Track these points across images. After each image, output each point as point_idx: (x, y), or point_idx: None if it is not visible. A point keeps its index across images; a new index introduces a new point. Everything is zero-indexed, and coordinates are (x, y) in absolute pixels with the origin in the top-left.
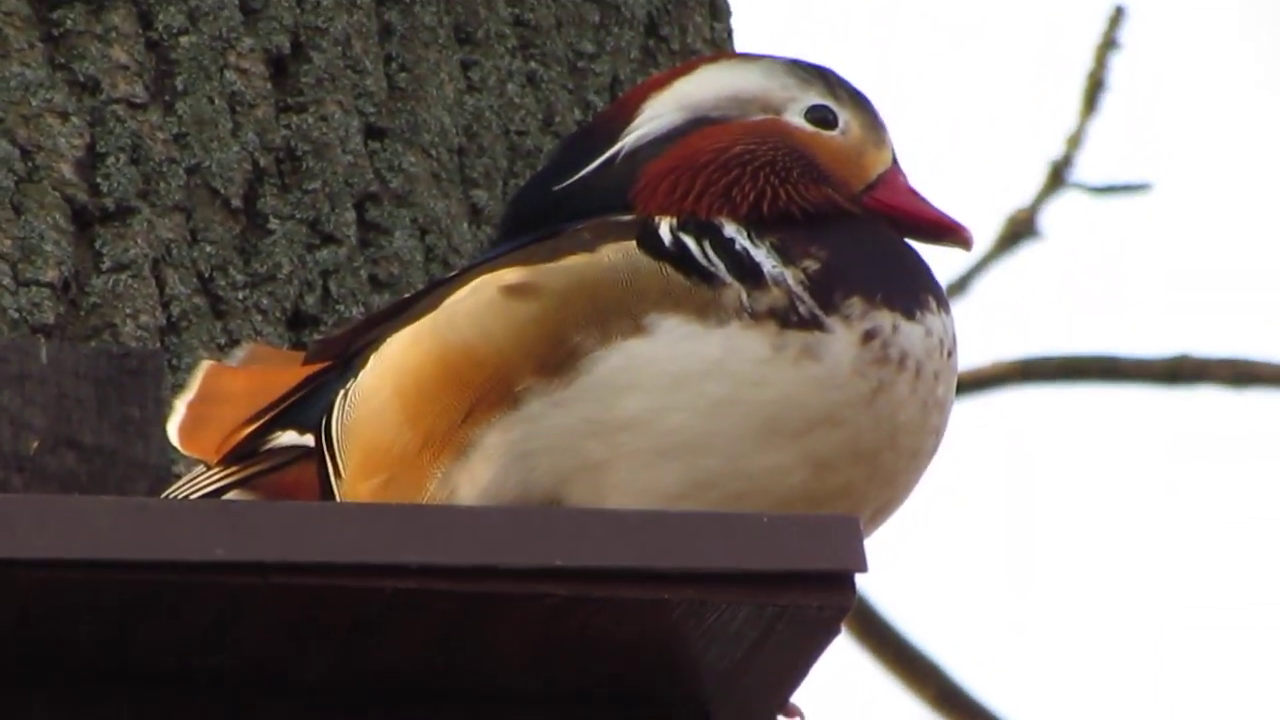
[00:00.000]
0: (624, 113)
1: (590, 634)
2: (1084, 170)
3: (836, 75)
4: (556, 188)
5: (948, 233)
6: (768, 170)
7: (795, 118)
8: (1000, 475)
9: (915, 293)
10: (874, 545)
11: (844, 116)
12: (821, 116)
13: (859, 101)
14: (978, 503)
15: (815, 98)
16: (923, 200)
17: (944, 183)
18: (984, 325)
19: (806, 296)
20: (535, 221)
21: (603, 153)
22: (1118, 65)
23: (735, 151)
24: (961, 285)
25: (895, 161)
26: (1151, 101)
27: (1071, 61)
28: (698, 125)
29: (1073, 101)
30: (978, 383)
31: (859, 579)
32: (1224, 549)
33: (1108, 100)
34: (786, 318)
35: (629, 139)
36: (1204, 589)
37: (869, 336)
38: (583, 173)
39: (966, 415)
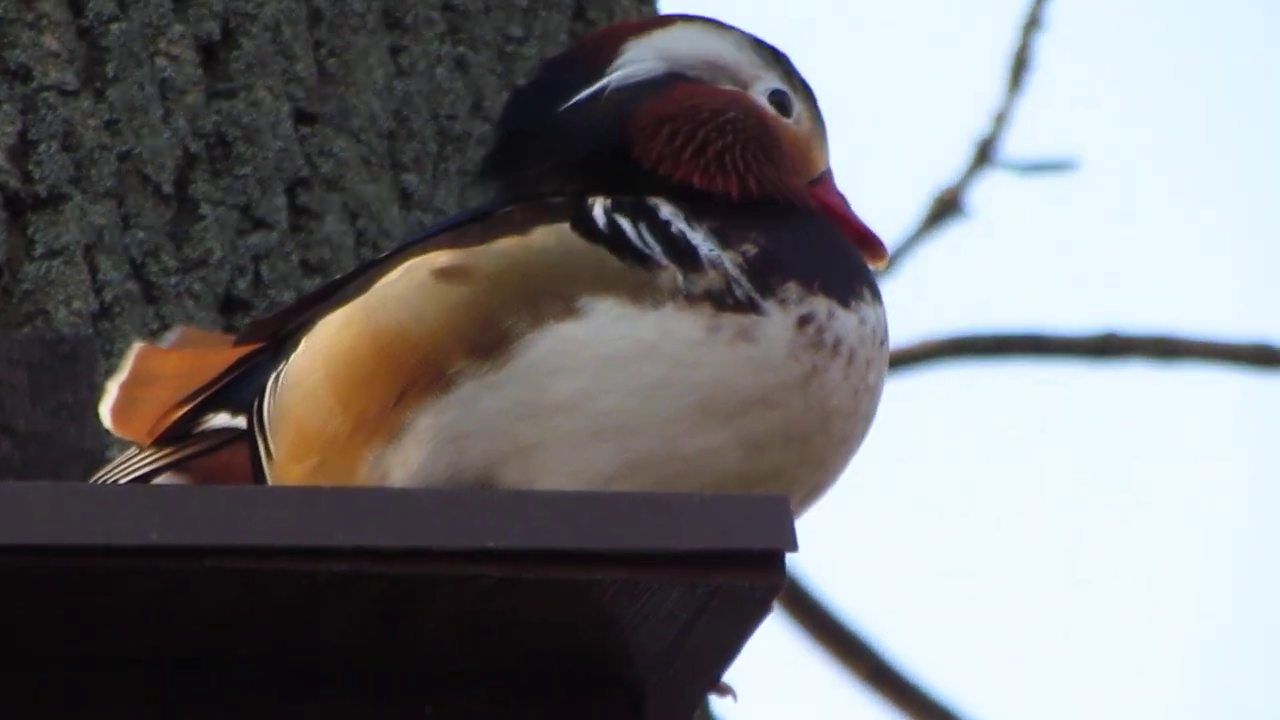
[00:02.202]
0: (605, 49)
1: (524, 615)
2: (1010, 148)
3: (792, 63)
4: (560, 109)
5: (870, 245)
6: (755, 145)
7: (760, 97)
8: (932, 452)
9: (851, 282)
10: (805, 524)
11: (798, 106)
12: (779, 101)
13: (809, 95)
14: (910, 479)
15: (776, 82)
16: (849, 208)
17: (870, 160)
18: (913, 303)
19: (744, 280)
20: (532, 138)
21: (589, 84)
22: (1042, 43)
23: (730, 116)
24: (890, 263)
25: (828, 165)
26: (1076, 79)
27: (996, 40)
28: (677, 80)
29: (998, 80)
30: (908, 359)
31: (790, 558)
32: (1148, 521)
33: (1032, 79)
34: (723, 300)
35: (615, 75)
36: (1130, 561)
37: (804, 321)
38: (576, 99)
39: (898, 392)
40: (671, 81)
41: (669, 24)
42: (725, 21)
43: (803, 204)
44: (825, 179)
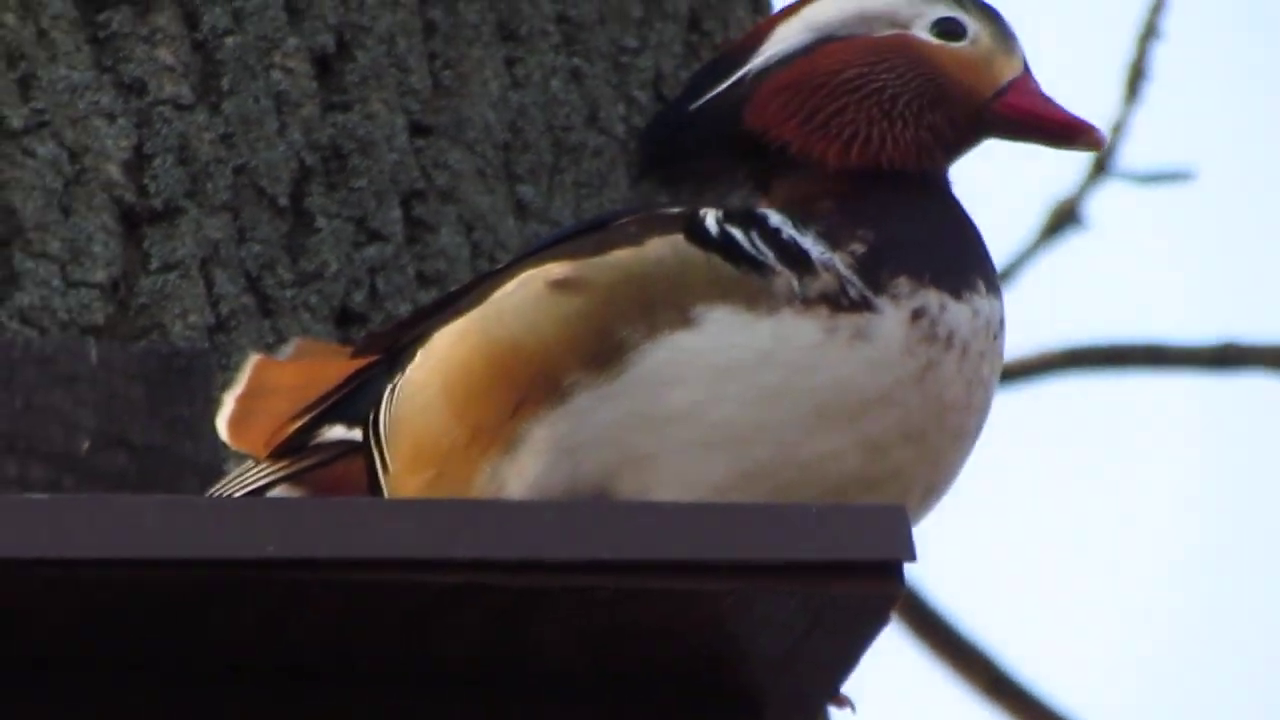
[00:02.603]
0: (753, 40)
1: (640, 625)
2: (1127, 159)
3: None
4: (689, 107)
5: (1078, 134)
6: (873, 101)
7: (921, 32)
8: (1049, 462)
9: (964, 273)
10: (924, 533)
11: (973, 27)
12: (948, 28)
13: (988, 13)
14: (1029, 489)
15: (943, 10)
16: (1053, 103)
17: (989, 170)
18: (1030, 314)
19: (855, 279)
20: (667, 142)
21: (731, 76)
22: (1159, 54)
23: (848, 75)
24: (1008, 274)
25: (1026, 68)
26: (1194, 90)
27: (1114, 49)
28: (824, 43)
29: (1116, 90)
30: (1026, 370)
31: (908, 568)
32: (1271, 532)
33: (1150, 89)
34: (838, 301)
35: (756, 61)
36: (1253, 570)
37: (917, 315)
38: (712, 94)
39: (1017, 403)
40: (818, 45)
41: None
42: None
43: (921, 169)
44: (1017, 84)
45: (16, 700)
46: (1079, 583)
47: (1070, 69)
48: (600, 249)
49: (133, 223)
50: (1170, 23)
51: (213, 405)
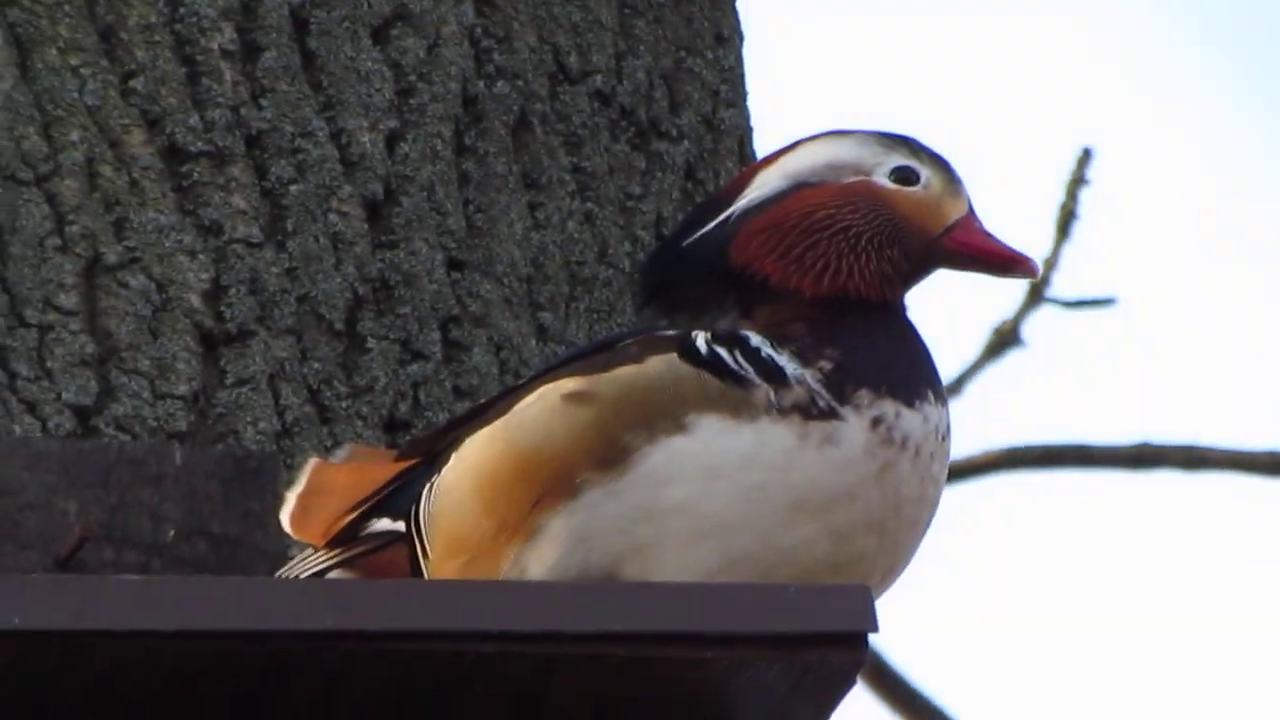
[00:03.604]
0: (739, 185)
1: (645, 691)
2: (1059, 287)
3: (918, 141)
4: (683, 244)
5: (1016, 265)
6: (840, 238)
7: (881, 178)
8: (994, 548)
9: (916, 386)
10: (884, 606)
11: (925, 173)
12: (904, 175)
13: (938, 161)
14: (975, 572)
15: (900, 159)
16: (994, 239)
17: (939, 298)
18: (975, 420)
19: (824, 391)
20: (665, 273)
21: (717, 217)
22: (1086, 198)
23: (818, 216)
24: (956, 387)
25: (971, 209)
26: (1117, 225)
27: (1048, 194)
28: (798, 189)
29: (1048, 229)
30: (971, 469)
31: (871, 638)
32: (1184, 612)
33: (1078, 227)
34: (809, 411)
35: (740, 203)
36: (1175, 643)
37: (876, 422)
38: (702, 231)
39: (962, 497)
40: (793, 191)
41: (796, 146)
42: (850, 126)
43: (881, 299)
44: (963, 221)
45: None
46: (1020, 650)
47: (1010, 209)
48: (607, 366)
49: (210, 344)
50: (1095, 172)
51: (279, 501)
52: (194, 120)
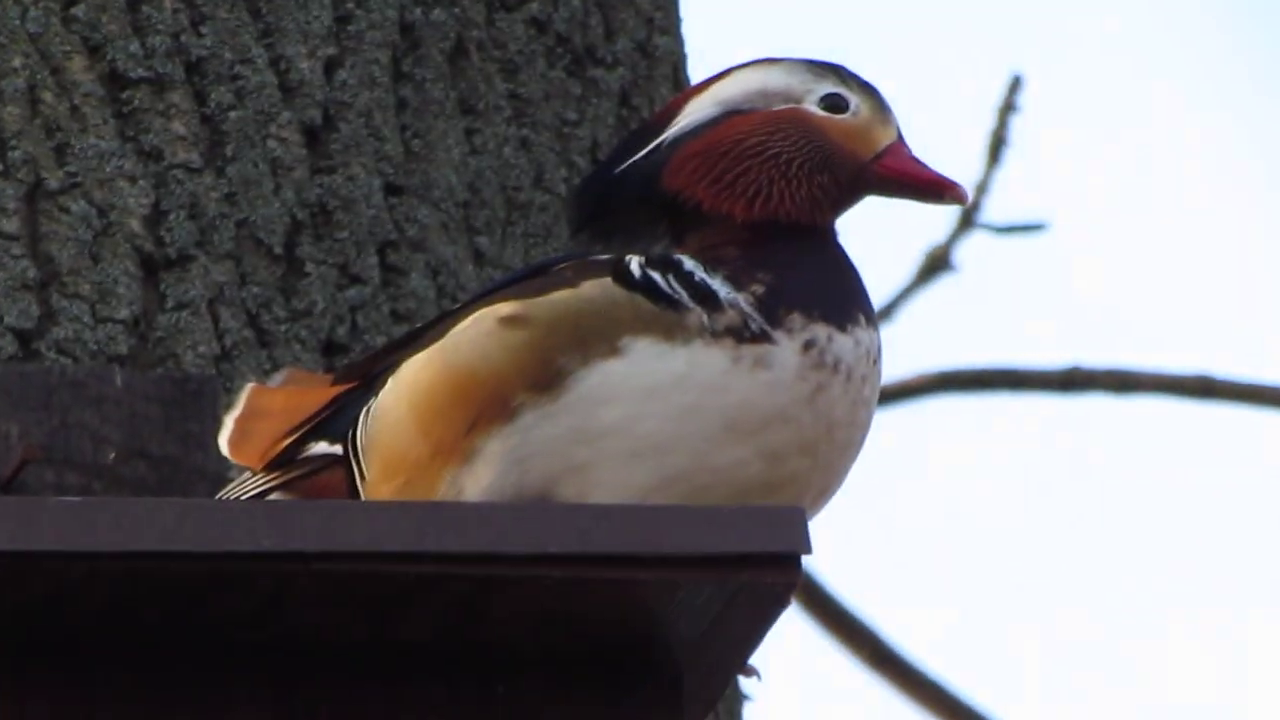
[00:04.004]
0: (670, 112)
1: (580, 609)
2: (990, 213)
3: (848, 70)
4: (616, 170)
5: (945, 191)
6: (771, 164)
7: (811, 105)
8: (923, 470)
9: (847, 310)
10: (818, 527)
11: (854, 101)
12: (833, 103)
13: (867, 89)
14: (906, 492)
15: (829, 87)
16: (923, 165)
17: (870, 222)
18: (908, 345)
19: (756, 315)
20: (599, 199)
21: (650, 143)
22: (1017, 124)
23: (751, 142)
24: (888, 311)
25: (900, 136)
26: (1047, 154)
27: (980, 121)
28: (729, 116)
29: (979, 155)
30: (903, 393)
31: (805, 559)
32: (1112, 530)
33: (1009, 154)
34: (741, 334)
35: (672, 130)
36: (1102, 561)
37: (808, 346)
38: (635, 158)
39: (895, 420)
40: (724, 118)
41: (728, 74)
42: (781, 55)
43: (813, 224)
44: (892, 149)
45: (49, 679)
46: (953, 569)
47: (940, 136)
48: (542, 290)
49: (150, 269)
50: (1026, 98)
51: (217, 424)
52: (134, 47)
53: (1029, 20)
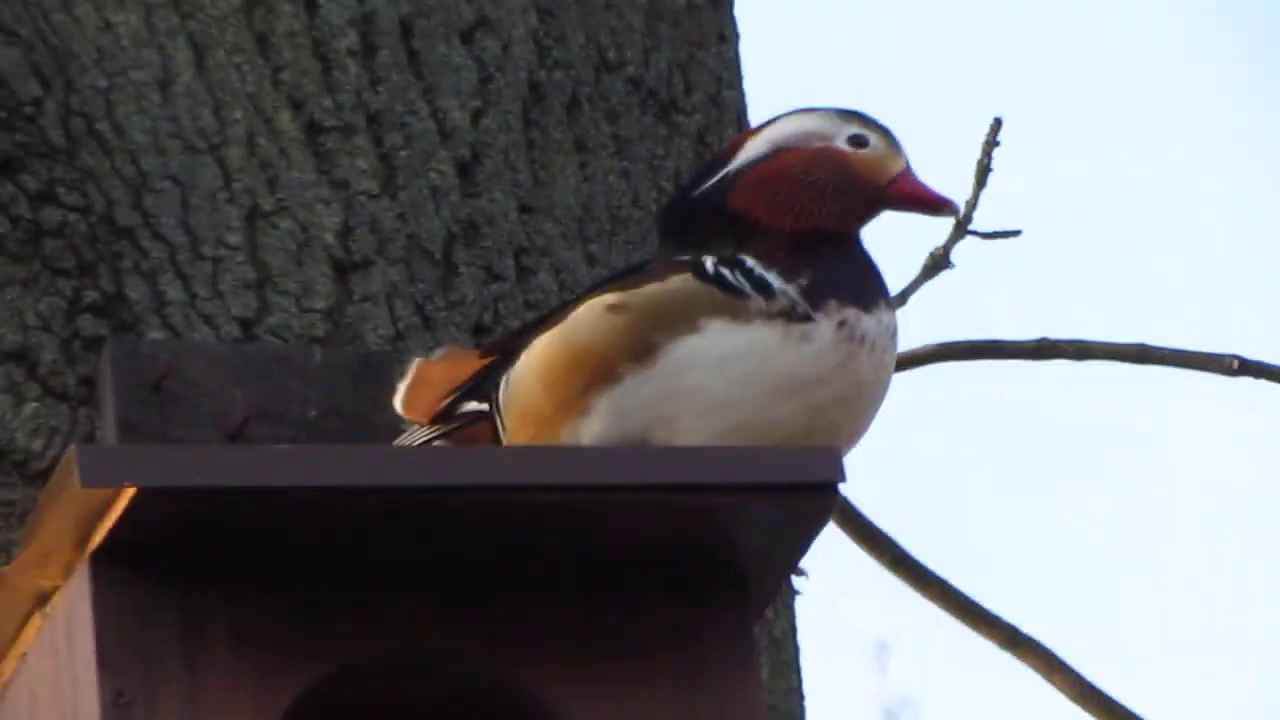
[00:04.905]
0: (734, 149)
1: (668, 528)
2: (978, 223)
3: (867, 115)
4: (693, 194)
5: (943, 206)
6: (812, 188)
7: (840, 143)
8: (929, 421)
9: (871, 296)
10: (849, 464)
11: (873, 139)
12: (857, 141)
13: (881, 130)
14: (921, 437)
15: (854, 129)
16: (926, 187)
17: (887, 233)
18: (916, 324)
19: (802, 301)
20: (681, 217)
21: (719, 173)
22: (998, 155)
23: (795, 172)
24: (901, 298)
25: (908, 165)
26: (1022, 178)
27: (969, 151)
28: (779, 152)
29: (969, 179)
30: (912, 361)
31: (841, 487)
32: (1066, 466)
33: (992, 178)
34: (790, 315)
35: (735, 164)
36: (1061, 497)
37: (841, 324)
38: (707, 184)
39: (909, 382)
40: (775, 154)
41: (775, 121)
42: (816, 106)
43: (843, 232)
44: (902, 174)
45: (269, 594)
46: (947, 494)
47: (939, 165)
48: (638, 284)
49: (341, 271)
50: (1005, 135)
51: (393, 390)
52: (327, 103)
53: (1010, 66)
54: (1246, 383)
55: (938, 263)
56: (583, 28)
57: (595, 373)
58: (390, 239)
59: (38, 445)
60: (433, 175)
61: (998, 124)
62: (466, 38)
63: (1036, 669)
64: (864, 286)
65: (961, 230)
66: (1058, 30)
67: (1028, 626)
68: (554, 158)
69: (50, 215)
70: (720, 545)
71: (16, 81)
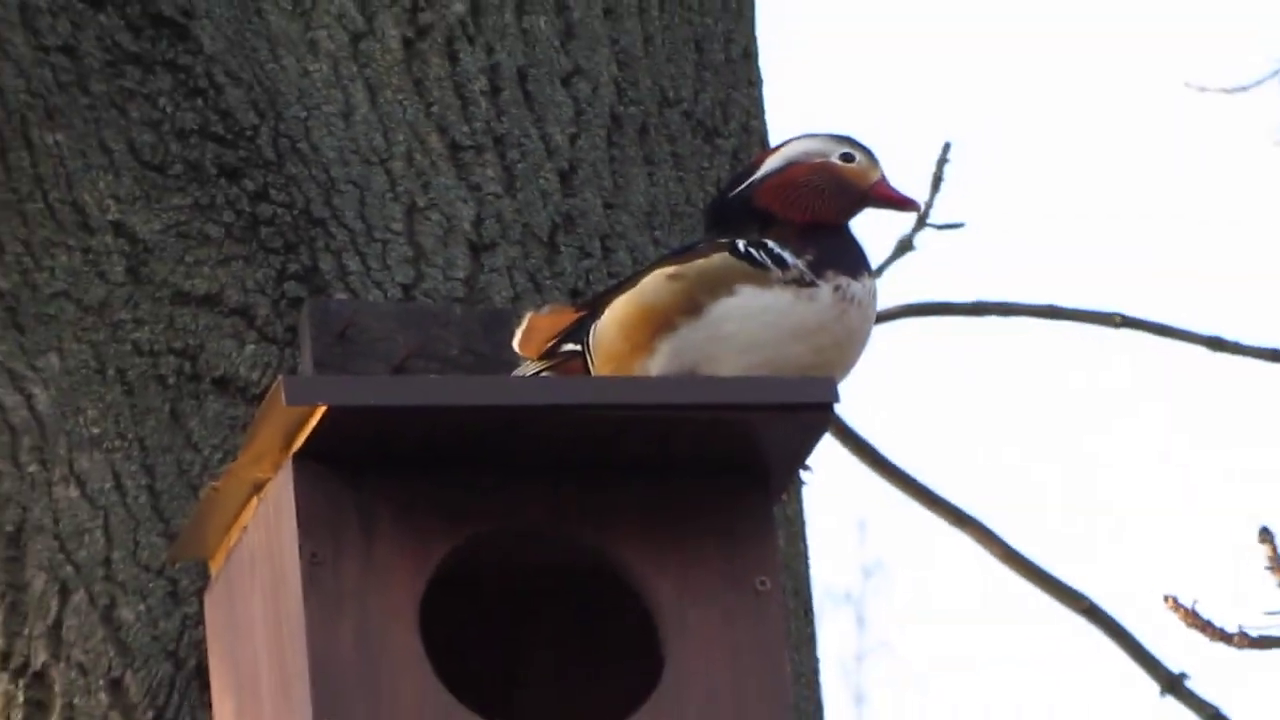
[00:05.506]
0: (757, 163)
1: (712, 436)
2: (934, 216)
3: (854, 138)
4: (729, 196)
5: (909, 205)
6: (815, 192)
7: (834, 159)
8: (899, 362)
9: (859, 268)
10: (843, 390)
11: (858, 156)
12: (847, 157)
13: (865, 149)
14: (896, 373)
15: (844, 149)
16: (898, 191)
17: (869, 224)
18: (888, 290)
19: (808, 272)
20: (720, 212)
21: (747, 180)
22: (948, 169)
23: (802, 180)
24: (878, 272)
25: (883, 174)
26: (966, 182)
27: (927, 162)
28: (791, 165)
29: (926, 184)
30: (887, 316)
31: (836, 407)
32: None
33: (944, 185)
34: (800, 282)
35: (758, 174)
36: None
37: (837, 289)
38: (738, 189)
39: (885, 332)
40: (788, 166)
41: (787, 143)
42: (816, 131)
43: (836, 223)
44: (879, 181)
45: (419, 482)
46: (923, 404)
47: (905, 173)
48: (690, 259)
49: (475, 251)
50: (954, 153)
51: (513, 335)
52: (465, 129)
53: (961, 92)
54: (1127, 334)
55: (905, 246)
56: (650, 74)
57: (659, 324)
58: (510, 227)
59: (255, 376)
60: (541, 181)
61: (948, 146)
62: (566, 81)
63: (977, 539)
64: (853, 261)
65: (921, 223)
66: (1002, 68)
67: (970, 508)
68: (629, 169)
69: (264, 210)
70: (749, 448)
71: (240, 112)
